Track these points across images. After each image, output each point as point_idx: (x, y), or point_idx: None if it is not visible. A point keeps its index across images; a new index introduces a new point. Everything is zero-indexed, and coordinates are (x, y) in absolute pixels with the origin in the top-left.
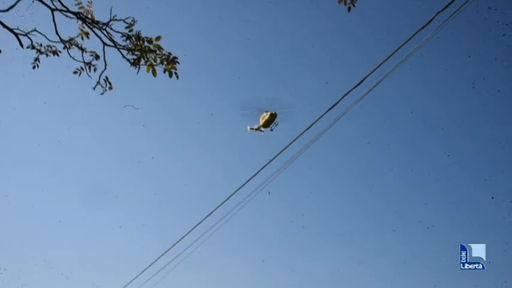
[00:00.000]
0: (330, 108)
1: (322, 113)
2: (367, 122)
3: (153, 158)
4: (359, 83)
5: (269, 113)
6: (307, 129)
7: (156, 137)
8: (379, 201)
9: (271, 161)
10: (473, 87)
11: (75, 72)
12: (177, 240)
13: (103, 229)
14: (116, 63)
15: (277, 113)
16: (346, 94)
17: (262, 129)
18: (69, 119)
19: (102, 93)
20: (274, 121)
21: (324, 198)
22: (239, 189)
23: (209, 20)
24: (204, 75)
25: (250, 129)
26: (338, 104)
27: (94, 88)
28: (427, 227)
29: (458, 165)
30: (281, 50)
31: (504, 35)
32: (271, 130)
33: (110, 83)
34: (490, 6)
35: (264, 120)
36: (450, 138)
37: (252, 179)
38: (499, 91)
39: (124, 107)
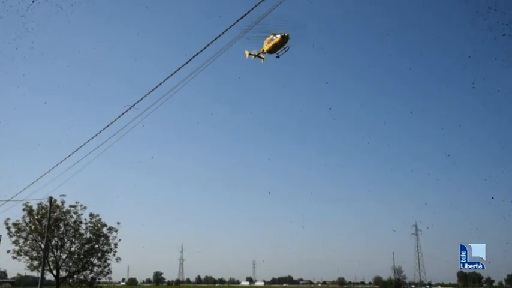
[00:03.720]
0: None
1: None
2: (367, 122)
3: (153, 157)
4: None
5: (279, 35)
6: None
7: None
8: (379, 201)
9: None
10: (473, 87)
11: None
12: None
13: None
14: None
15: (289, 35)
16: None
17: (263, 55)
18: (69, 119)
19: None
20: (285, 46)
21: (324, 198)
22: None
23: None
24: None
25: (250, 54)
26: None
27: None
28: (427, 227)
29: (458, 165)
30: None
31: (504, 35)
32: (278, 57)
33: None
34: (490, 6)
35: (271, 44)
36: (450, 138)
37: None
38: (499, 91)
39: (124, 106)
